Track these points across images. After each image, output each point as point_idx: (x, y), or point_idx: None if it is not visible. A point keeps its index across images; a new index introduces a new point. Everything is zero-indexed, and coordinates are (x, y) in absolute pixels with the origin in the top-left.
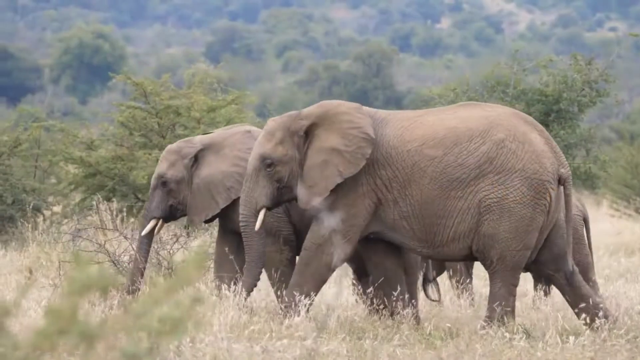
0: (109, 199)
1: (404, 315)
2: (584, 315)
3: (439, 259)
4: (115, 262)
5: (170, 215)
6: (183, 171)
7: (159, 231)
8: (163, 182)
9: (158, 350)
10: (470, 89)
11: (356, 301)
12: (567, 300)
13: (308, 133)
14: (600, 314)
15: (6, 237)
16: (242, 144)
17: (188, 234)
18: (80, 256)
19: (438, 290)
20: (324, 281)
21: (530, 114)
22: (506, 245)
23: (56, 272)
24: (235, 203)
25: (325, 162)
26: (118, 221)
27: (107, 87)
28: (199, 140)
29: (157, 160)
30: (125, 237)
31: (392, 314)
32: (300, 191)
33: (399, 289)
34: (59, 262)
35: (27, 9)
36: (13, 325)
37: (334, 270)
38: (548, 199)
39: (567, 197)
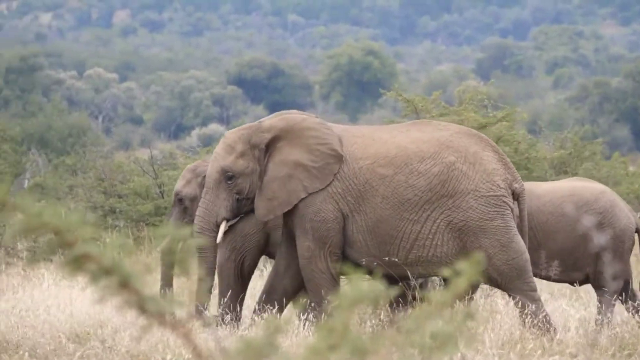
0: None
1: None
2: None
3: (395, 276)
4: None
5: None
6: (197, 190)
7: None
8: (179, 200)
9: None
10: None
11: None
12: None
13: (269, 146)
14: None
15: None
16: None
17: None
18: (352, 271)
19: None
20: (334, 285)
21: None
22: (497, 259)
23: None
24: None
25: (288, 176)
26: None
27: (377, 104)
28: None
29: None
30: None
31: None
32: (259, 203)
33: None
34: None
35: (298, 26)
36: (284, 342)
37: (334, 273)
38: (509, 209)
39: (521, 211)
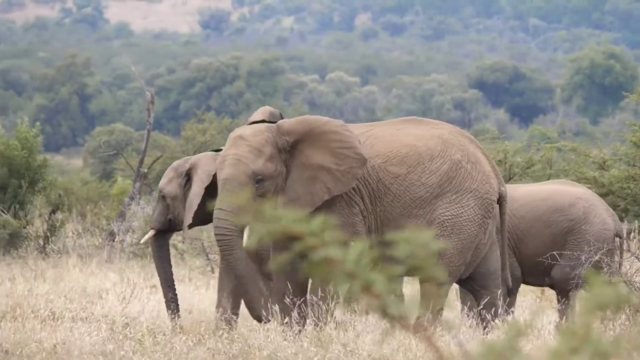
0: (621, 219)
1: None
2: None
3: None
4: (628, 282)
5: (169, 228)
6: (177, 189)
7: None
8: (162, 196)
9: None
10: None
11: None
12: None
13: (292, 148)
14: None
15: None
16: (206, 165)
17: None
18: (595, 276)
19: None
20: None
21: None
22: (449, 260)
23: None
24: None
25: (312, 178)
26: (634, 242)
27: (618, 107)
28: (194, 159)
29: None
30: (638, 258)
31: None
32: (282, 204)
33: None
34: None
35: (539, 29)
36: (525, 345)
37: None
38: (490, 218)
39: (502, 215)
